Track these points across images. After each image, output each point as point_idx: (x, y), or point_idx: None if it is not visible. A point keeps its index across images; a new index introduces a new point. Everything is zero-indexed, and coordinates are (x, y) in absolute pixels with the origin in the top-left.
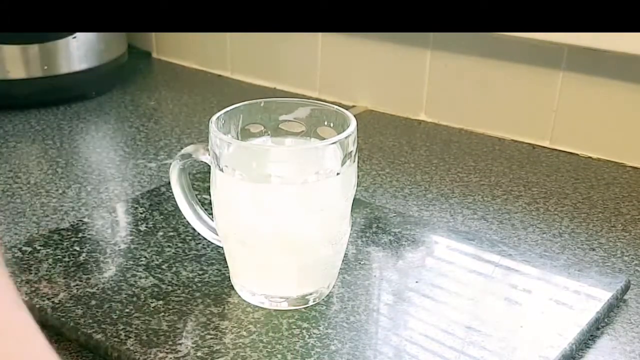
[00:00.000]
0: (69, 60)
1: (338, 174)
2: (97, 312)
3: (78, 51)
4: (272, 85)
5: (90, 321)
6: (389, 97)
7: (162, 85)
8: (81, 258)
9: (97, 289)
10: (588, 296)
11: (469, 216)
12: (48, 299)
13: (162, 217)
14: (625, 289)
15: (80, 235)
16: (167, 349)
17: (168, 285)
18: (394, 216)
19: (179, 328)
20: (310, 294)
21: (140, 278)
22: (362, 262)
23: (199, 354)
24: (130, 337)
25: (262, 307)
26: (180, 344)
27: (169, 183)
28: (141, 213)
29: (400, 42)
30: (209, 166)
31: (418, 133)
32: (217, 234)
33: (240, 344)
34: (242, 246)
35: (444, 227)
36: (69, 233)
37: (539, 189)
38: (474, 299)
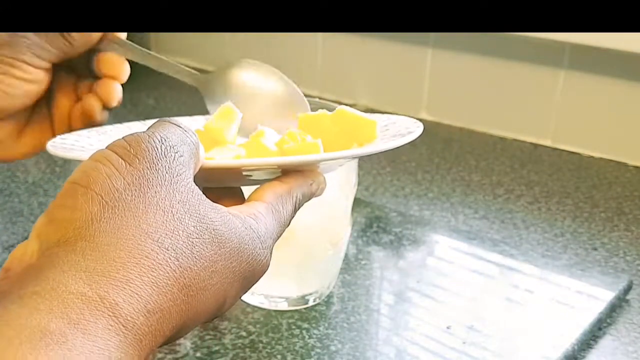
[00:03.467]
0: None
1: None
2: None
3: None
4: None
5: None
6: (389, 95)
7: (160, 83)
8: None
9: None
10: (590, 296)
11: (470, 215)
12: None
13: None
14: (628, 288)
15: None
16: (165, 350)
17: None
18: (395, 215)
19: None
20: (310, 294)
21: None
22: (362, 262)
23: (198, 354)
24: None
25: (261, 308)
26: (179, 344)
27: None
28: None
29: (401, 40)
30: None
31: None
32: None
33: (240, 344)
34: None
35: (445, 227)
36: None
37: (541, 188)
38: (475, 299)
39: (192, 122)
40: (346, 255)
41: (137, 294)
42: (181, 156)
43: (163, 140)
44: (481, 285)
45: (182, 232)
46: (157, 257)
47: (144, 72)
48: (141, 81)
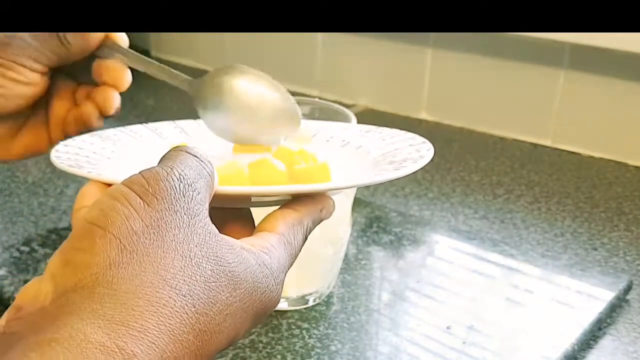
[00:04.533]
0: None
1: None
2: None
3: None
4: None
5: None
6: (389, 95)
7: (160, 83)
8: None
9: None
10: (590, 296)
11: (470, 215)
12: None
13: None
14: (628, 288)
15: None
16: None
17: None
18: (395, 215)
19: None
20: (310, 294)
21: None
22: (362, 262)
23: None
24: None
25: None
26: None
27: None
28: None
29: (401, 40)
30: None
31: (419, 132)
32: None
33: (240, 344)
34: None
35: (445, 227)
36: (68, 233)
37: (541, 188)
38: (475, 299)
39: (191, 124)
40: (346, 255)
41: (154, 343)
42: (199, 194)
43: (182, 178)
44: (481, 285)
45: (200, 277)
46: (174, 304)
47: (143, 72)
48: (141, 81)
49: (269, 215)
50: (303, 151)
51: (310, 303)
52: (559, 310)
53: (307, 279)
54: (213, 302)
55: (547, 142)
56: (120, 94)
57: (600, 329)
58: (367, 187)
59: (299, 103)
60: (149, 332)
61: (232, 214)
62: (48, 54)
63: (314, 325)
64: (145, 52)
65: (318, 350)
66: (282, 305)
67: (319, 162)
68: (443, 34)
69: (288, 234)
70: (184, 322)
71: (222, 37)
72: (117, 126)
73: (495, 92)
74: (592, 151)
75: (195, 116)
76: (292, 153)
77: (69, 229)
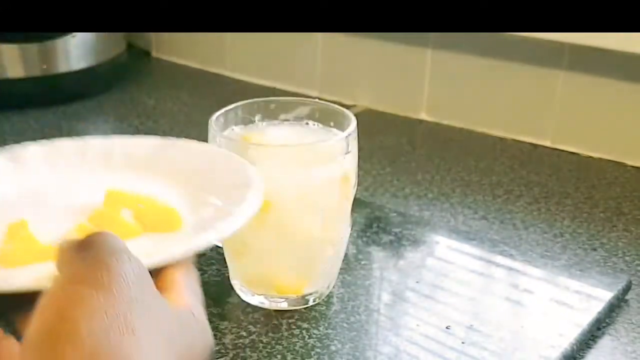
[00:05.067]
0: (68, 59)
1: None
2: None
3: (77, 50)
4: (271, 85)
5: None
6: (389, 96)
7: (161, 84)
8: None
9: None
10: (589, 296)
11: (470, 216)
12: None
13: None
14: (627, 289)
15: None
16: None
17: None
18: (395, 216)
19: None
20: (310, 294)
21: None
22: (362, 262)
23: None
24: None
25: (261, 307)
26: None
27: None
28: None
29: (401, 41)
30: None
31: (419, 132)
32: None
33: (240, 344)
34: (242, 246)
35: (444, 227)
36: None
37: (540, 188)
38: (474, 299)
39: None
40: (346, 255)
41: None
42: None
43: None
44: (480, 285)
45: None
46: None
47: (144, 71)
48: (141, 81)
49: (165, 273)
50: (150, 200)
51: (310, 303)
52: (558, 310)
53: (307, 279)
54: None
55: (547, 143)
56: (121, 93)
57: (599, 329)
58: (367, 187)
59: (299, 103)
60: None
61: None
62: None
63: (314, 325)
64: (146, 53)
65: (318, 350)
66: (282, 305)
67: (164, 205)
68: (443, 34)
69: (189, 281)
70: None
71: (222, 37)
72: (118, 124)
73: (495, 92)
74: (592, 151)
75: (196, 117)
76: (130, 197)
77: None
